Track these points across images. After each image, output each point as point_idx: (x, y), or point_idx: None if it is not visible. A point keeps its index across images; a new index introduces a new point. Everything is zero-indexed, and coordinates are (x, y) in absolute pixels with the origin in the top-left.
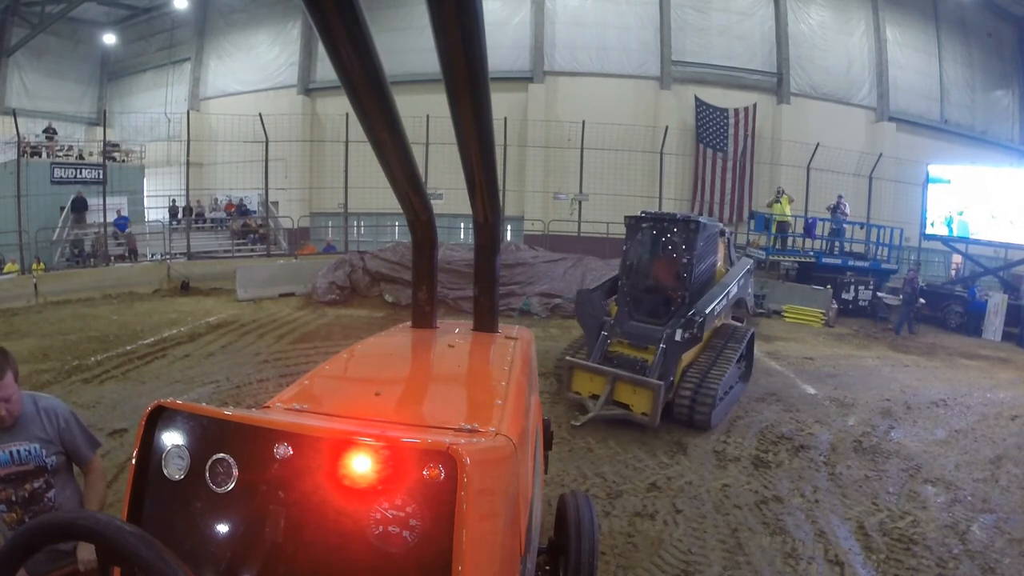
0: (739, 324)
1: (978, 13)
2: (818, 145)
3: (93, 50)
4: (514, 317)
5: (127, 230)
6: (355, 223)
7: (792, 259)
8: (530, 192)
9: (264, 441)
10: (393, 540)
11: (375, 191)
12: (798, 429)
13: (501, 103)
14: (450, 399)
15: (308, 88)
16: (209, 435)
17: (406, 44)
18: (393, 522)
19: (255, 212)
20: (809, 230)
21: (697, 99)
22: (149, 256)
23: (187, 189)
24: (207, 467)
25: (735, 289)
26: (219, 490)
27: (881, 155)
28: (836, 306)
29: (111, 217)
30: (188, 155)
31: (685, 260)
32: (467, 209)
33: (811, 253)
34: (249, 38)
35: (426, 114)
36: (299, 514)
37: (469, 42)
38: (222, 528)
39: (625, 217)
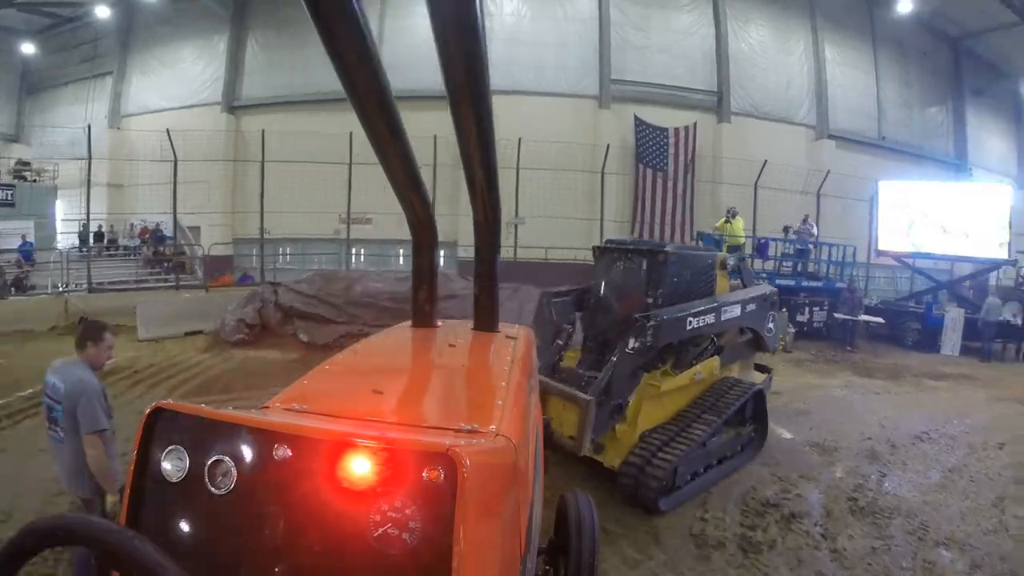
0: (744, 379)
1: (914, 33)
2: (765, 163)
3: (12, 60)
4: None
5: (32, 258)
6: (280, 250)
7: None
8: (464, 216)
9: (263, 443)
10: (393, 542)
11: (300, 216)
12: (784, 490)
13: (432, 122)
14: (450, 399)
15: (232, 106)
16: (208, 437)
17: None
18: (393, 524)
19: (171, 238)
20: (762, 251)
21: (636, 118)
22: (49, 288)
23: (87, 213)
24: (206, 469)
25: (736, 311)
26: (218, 492)
27: (829, 172)
28: (793, 329)
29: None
30: (90, 175)
31: (649, 300)
32: (401, 235)
33: (764, 275)
34: (174, 52)
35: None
36: (298, 516)
37: (470, 49)
38: (221, 530)
39: (594, 248)
